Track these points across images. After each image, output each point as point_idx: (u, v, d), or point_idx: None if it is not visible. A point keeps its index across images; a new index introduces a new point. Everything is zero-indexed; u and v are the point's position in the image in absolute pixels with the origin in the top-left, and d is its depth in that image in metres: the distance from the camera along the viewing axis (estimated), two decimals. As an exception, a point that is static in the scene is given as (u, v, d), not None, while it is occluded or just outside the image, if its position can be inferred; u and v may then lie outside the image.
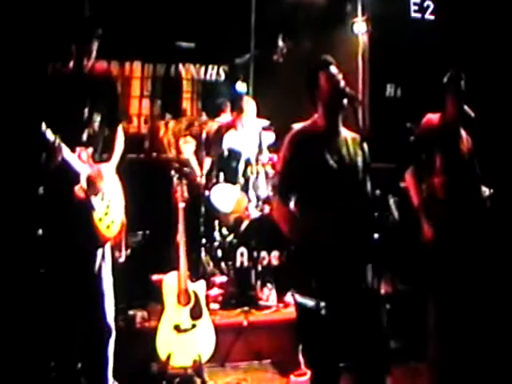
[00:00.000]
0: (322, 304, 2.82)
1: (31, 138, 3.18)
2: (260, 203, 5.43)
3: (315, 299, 2.83)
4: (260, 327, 4.60)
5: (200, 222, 5.23)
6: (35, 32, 3.98)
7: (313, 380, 3.02)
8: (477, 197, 4.05)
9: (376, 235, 2.91)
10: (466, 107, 3.98)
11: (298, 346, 3.84)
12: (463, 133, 4.07)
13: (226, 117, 6.34)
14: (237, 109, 5.78)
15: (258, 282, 4.93)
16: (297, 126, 3.12)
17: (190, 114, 8.37)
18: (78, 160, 3.28)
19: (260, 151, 5.58)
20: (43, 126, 3.07)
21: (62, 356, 3.46)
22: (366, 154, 3.00)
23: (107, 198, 3.43)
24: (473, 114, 3.99)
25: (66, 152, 3.18)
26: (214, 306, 4.76)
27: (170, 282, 4.03)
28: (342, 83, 3.00)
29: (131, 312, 4.37)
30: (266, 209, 5.34)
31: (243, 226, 5.17)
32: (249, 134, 5.66)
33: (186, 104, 8.67)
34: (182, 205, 4.19)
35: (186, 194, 4.23)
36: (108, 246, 3.49)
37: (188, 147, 5.98)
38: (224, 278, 5.13)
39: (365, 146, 3.02)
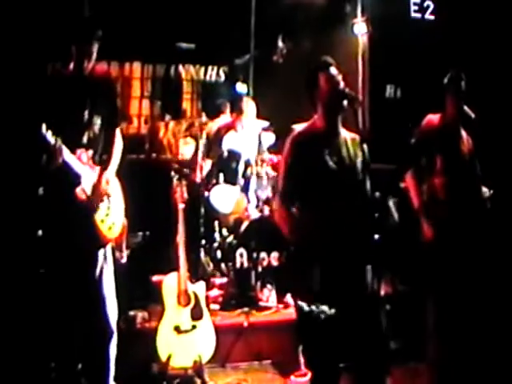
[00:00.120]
0: (327, 310, 2.81)
1: (32, 140, 3.18)
2: (260, 204, 5.43)
3: (320, 307, 2.83)
4: (260, 328, 4.59)
5: (200, 222, 5.23)
6: (36, 33, 3.98)
7: (313, 380, 3.02)
8: (477, 197, 4.05)
9: (376, 236, 2.91)
10: (466, 108, 3.98)
11: (298, 346, 3.85)
12: (463, 133, 4.06)
13: (225, 118, 6.34)
14: (236, 110, 5.79)
15: (258, 283, 4.93)
16: (297, 128, 3.12)
17: (189, 115, 8.38)
18: (79, 162, 3.29)
19: (260, 152, 5.59)
20: (44, 127, 3.07)
21: (62, 356, 3.46)
22: (365, 154, 2.99)
23: (108, 200, 3.43)
24: (473, 115, 3.99)
25: (66, 154, 3.18)
26: (214, 306, 4.76)
27: (170, 283, 4.02)
28: (342, 84, 3.00)
29: (132, 313, 4.37)
30: (266, 210, 5.35)
31: (243, 227, 5.17)
32: (248, 135, 5.66)
33: (185, 105, 8.68)
34: (181, 206, 4.19)
35: (185, 195, 4.23)
36: (109, 248, 3.50)
37: (188, 148, 5.99)
38: (224, 279, 5.13)
39: (364, 146, 3.01)
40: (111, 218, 3.43)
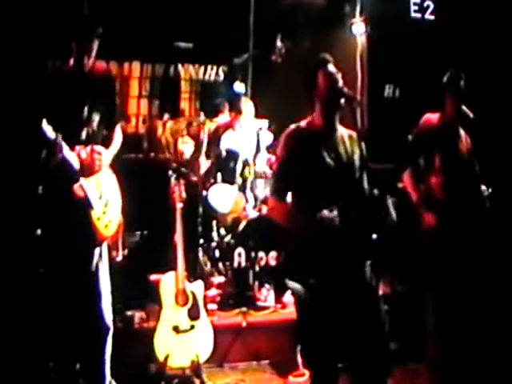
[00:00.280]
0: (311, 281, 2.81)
1: (32, 136, 3.18)
2: (258, 203, 5.43)
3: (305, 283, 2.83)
4: (258, 328, 4.58)
5: (198, 222, 5.21)
6: (36, 30, 3.96)
7: (311, 381, 3.00)
8: (476, 196, 4.04)
9: (374, 236, 2.90)
10: (464, 108, 3.97)
11: (297, 346, 3.84)
12: (462, 133, 4.05)
13: (224, 117, 6.34)
14: (235, 109, 5.78)
15: (256, 283, 4.93)
16: (293, 125, 3.11)
17: (188, 114, 8.38)
18: (77, 158, 3.28)
19: (258, 151, 5.58)
20: (44, 123, 3.07)
21: (59, 355, 3.46)
22: (363, 151, 2.98)
23: (105, 197, 3.43)
24: (471, 115, 3.98)
25: (65, 150, 3.18)
26: (212, 306, 4.74)
27: (168, 283, 4.01)
28: (340, 82, 2.98)
29: (129, 312, 4.36)
30: (264, 209, 5.34)
31: (241, 227, 5.16)
32: (247, 134, 5.65)
33: (184, 104, 8.68)
34: (179, 205, 4.18)
35: (183, 194, 4.22)
36: (105, 245, 3.50)
37: (186, 147, 5.98)
38: (222, 279, 5.12)
39: (362, 143, 3.00)
40: (108, 215, 3.43)
